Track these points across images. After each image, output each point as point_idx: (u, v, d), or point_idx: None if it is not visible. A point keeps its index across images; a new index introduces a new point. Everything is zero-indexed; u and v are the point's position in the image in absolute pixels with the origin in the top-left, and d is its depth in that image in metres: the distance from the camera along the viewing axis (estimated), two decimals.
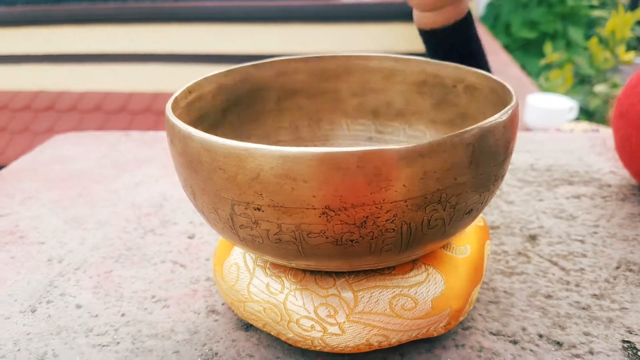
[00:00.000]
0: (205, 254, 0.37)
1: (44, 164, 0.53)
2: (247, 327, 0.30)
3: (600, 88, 1.71)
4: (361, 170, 0.20)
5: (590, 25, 2.36)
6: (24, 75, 2.48)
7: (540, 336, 0.28)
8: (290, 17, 2.26)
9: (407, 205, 0.21)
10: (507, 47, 2.15)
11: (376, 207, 0.21)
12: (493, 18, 2.31)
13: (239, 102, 0.34)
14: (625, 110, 0.42)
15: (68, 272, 0.35)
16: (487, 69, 0.41)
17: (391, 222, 0.21)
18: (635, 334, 0.28)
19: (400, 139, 0.36)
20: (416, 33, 0.40)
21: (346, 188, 0.20)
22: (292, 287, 0.27)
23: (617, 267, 0.34)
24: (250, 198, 0.22)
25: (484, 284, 0.33)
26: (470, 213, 0.24)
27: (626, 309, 0.30)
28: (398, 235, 0.22)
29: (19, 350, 0.29)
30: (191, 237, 0.39)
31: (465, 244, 0.29)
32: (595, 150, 0.52)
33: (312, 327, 0.26)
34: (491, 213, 0.41)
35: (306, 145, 0.37)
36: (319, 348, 0.26)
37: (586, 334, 0.28)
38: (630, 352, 0.27)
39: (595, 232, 0.38)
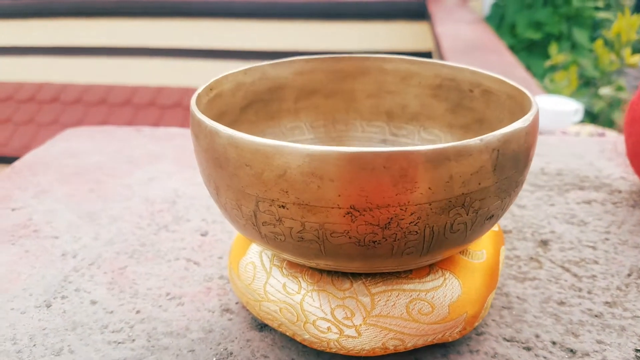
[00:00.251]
0: (219, 252, 0.37)
1: (56, 158, 0.53)
2: (262, 327, 0.30)
3: (605, 91, 1.71)
4: (387, 171, 0.20)
5: (596, 27, 2.35)
6: (29, 67, 2.49)
7: (554, 343, 0.28)
8: (303, 14, 2.26)
9: (431, 208, 0.21)
10: (512, 48, 2.15)
11: (401, 209, 0.21)
12: (499, 18, 2.31)
13: (257, 100, 0.34)
14: (638, 116, 0.41)
15: (82, 267, 0.36)
16: None
17: (415, 225, 0.22)
18: None
19: (414, 142, 0.37)
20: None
21: (372, 188, 0.21)
22: (309, 288, 0.27)
23: (629, 275, 0.34)
24: (276, 195, 0.22)
25: (497, 288, 0.33)
26: (491, 219, 0.24)
27: (638, 317, 0.30)
28: (420, 238, 0.22)
29: (34, 345, 0.29)
30: (204, 234, 0.39)
31: (481, 249, 0.29)
32: (606, 155, 0.52)
33: (329, 328, 0.26)
34: (504, 217, 0.41)
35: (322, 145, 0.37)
36: (334, 350, 0.26)
37: (599, 342, 0.28)
38: None
39: (607, 239, 0.38)
